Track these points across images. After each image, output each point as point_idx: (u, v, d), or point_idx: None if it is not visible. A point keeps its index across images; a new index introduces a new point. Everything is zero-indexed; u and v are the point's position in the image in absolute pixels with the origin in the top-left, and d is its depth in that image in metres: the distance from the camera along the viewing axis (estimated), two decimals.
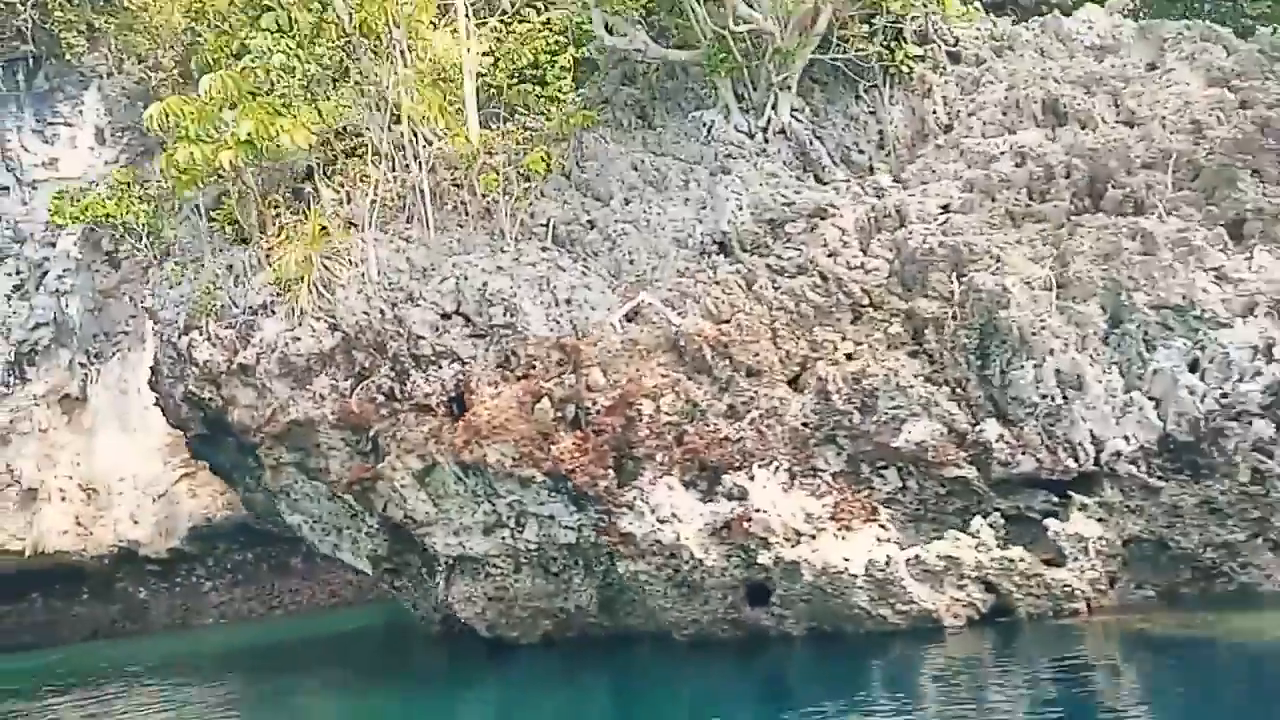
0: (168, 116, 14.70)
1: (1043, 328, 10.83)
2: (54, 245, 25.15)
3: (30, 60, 25.30)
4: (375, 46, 15.37)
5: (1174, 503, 10.42)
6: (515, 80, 15.96)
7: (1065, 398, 10.64)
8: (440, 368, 13.11)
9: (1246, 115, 11.77)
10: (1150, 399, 10.47)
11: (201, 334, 14.62)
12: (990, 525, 10.69)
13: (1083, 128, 12.76)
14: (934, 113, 13.58)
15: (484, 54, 15.26)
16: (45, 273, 25.28)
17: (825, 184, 13.63)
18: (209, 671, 16.62)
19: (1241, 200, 11.30)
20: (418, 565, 13.72)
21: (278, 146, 14.26)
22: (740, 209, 12.87)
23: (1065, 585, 10.31)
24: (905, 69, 13.87)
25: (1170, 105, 12.48)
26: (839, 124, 14.05)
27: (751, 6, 12.95)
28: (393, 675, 13.80)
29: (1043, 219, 12.16)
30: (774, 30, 13.12)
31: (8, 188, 24.64)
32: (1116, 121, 12.79)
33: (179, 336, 14.82)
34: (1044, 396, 10.71)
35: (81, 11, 24.30)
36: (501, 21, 15.90)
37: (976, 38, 14.05)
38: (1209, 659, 8.83)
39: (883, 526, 10.96)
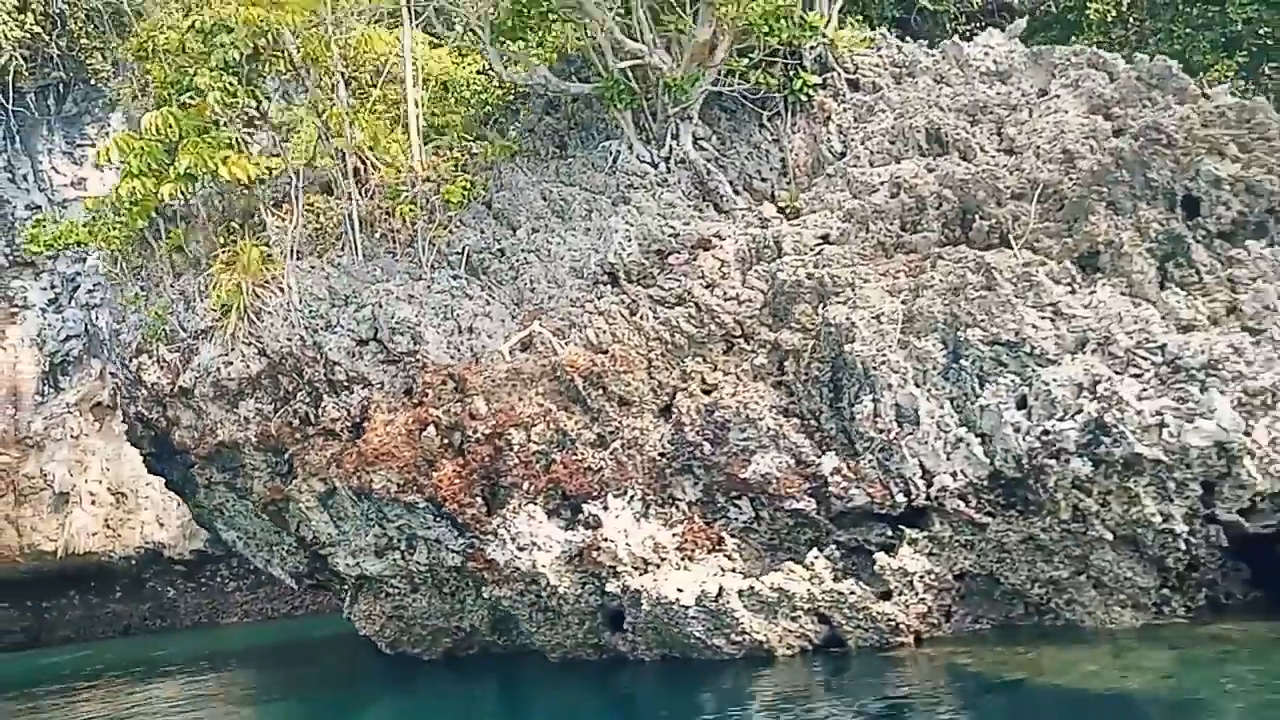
0: (119, 151, 15.68)
1: (883, 362, 11.11)
2: (84, 261, 26.82)
3: (60, 86, 26.95)
4: (320, 79, 16.15)
5: (1000, 539, 10.67)
6: (454, 110, 16.63)
7: (900, 432, 10.88)
8: (352, 393, 13.89)
9: (1113, 145, 11.80)
10: (980, 435, 10.68)
11: (151, 357, 15.65)
12: (827, 558, 11.07)
13: (962, 157, 12.91)
14: (828, 141, 13.81)
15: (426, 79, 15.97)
16: (76, 287, 27.04)
17: (725, 213, 14.00)
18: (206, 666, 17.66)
19: (1094, 233, 11.40)
20: (335, 583, 14.53)
21: (222, 179, 15.11)
22: (628, 240, 13.33)
23: (890, 619, 10.62)
24: (804, 97, 14.11)
25: (1046, 134, 12.58)
26: (743, 152, 14.42)
27: (636, 40, 13.35)
28: (312, 681, 14.65)
29: (913, 250, 12.40)
30: (662, 65, 13.50)
31: (40, 207, 26.27)
32: (997, 150, 12.93)
33: (131, 359, 15.85)
34: (881, 431, 11.02)
35: (106, 39, 25.80)
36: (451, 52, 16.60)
37: (877, 64, 14.26)
38: (1010, 699, 9.05)
39: (728, 557, 11.40)
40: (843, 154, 13.86)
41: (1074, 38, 21.13)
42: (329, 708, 13.23)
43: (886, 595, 10.77)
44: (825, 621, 10.98)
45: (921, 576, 10.74)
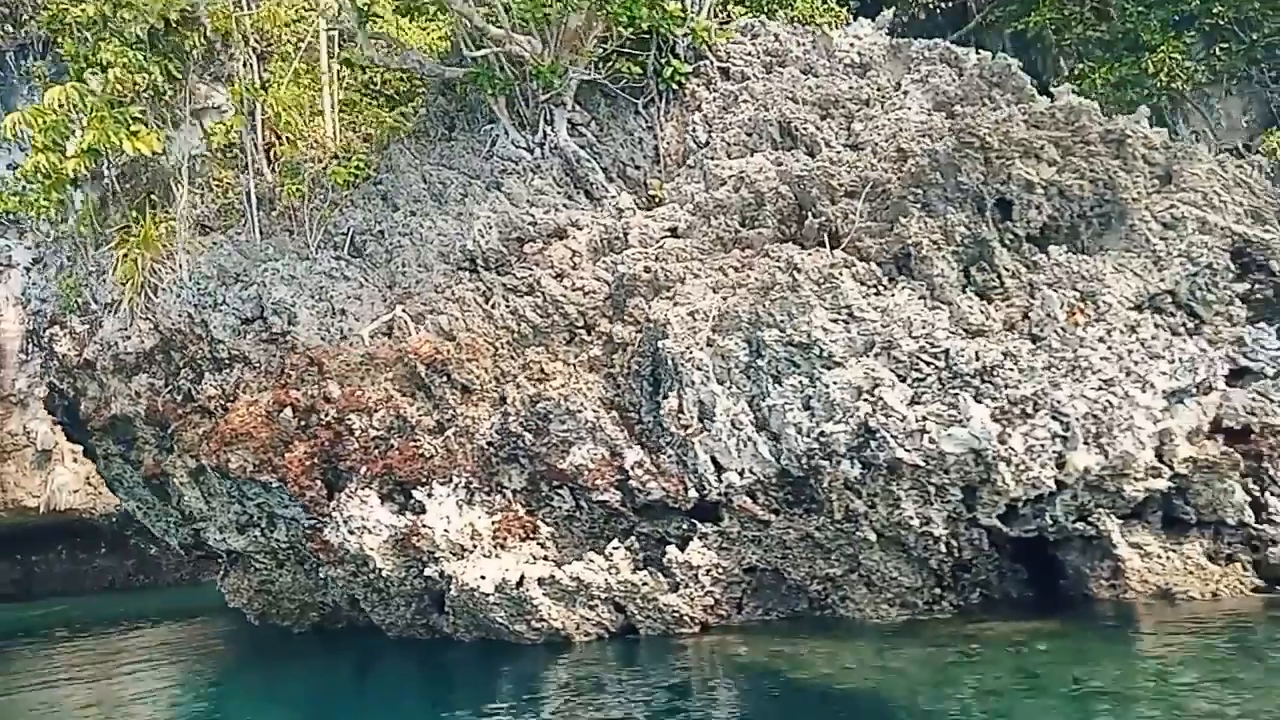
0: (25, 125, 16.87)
1: (690, 359, 11.94)
2: (66, 221, 28.29)
3: (39, 45, 28.24)
4: (234, 52, 17.19)
5: (782, 536, 11.52)
6: (362, 88, 17.59)
7: (697, 428, 11.73)
8: (232, 371, 15.03)
9: (929, 146, 12.40)
10: (770, 435, 11.50)
11: (63, 329, 16.97)
12: (627, 549, 12.00)
13: (808, 152, 13.58)
14: (694, 131, 14.53)
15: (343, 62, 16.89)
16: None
17: (597, 201, 14.81)
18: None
19: (904, 235, 12.07)
20: (217, 556, 15.81)
21: (125, 154, 16.23)
22: (489, 227, 14.23)
23: (675, 610, 11.54)
24: (676, 85, 14.83)
25: (886, 131, 13.19)
26: (618, 139, 15.21)
27: (499, 26, 14.12)
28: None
29: (749, 246, 13.14)
30: (524, 52, 14.29)
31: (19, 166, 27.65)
32: (844, 146, 13.56)
33: (45, 329, 17.16)
34: (683, 426, 11.86)
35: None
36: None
37: (750, 53, 14.89)
38: (765, 687, 9.92)
39: (541, 545, 12.39)
40: (706, 144, 14.51)
41: (1032, 13, 21.51)
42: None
43: (675, 587, 11.64)
44: (621, 610, 11.91)
45: (709, 570, 11.63)
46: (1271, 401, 11.27)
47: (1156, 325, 11.63)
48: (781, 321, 11.81)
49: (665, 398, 12.14)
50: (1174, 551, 10.91)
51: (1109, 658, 9.38)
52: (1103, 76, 20.31)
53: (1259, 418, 11.11)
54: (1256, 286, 11.98)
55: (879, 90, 14.12)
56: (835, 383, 11.24)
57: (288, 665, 14.08)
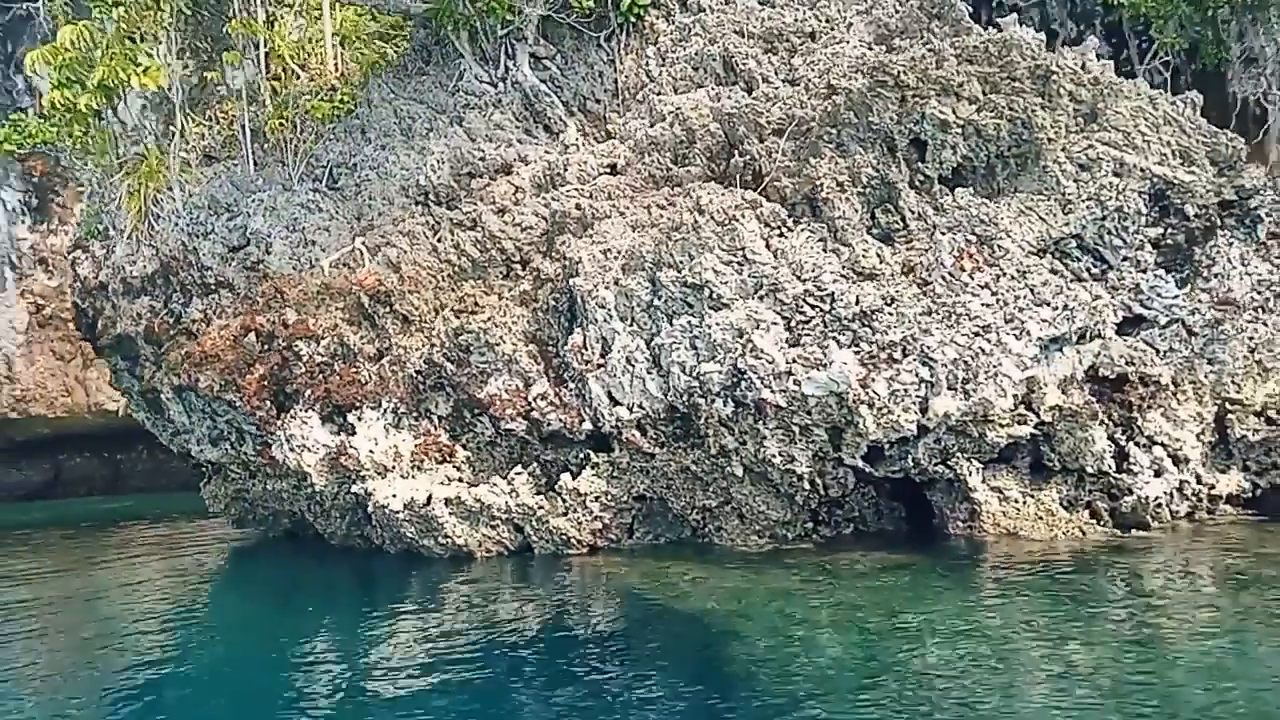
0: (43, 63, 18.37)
1: (595, 297, 12.67)
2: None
3: None
4: None
5: (664, 468, 12.21)
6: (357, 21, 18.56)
7: (596, 364, 12.49)
8: (217, 297, 16.36)
9: (844, 85, 12.71)
10: (661, 372, 12.19)
11: (85, 253, 18.58)
12: (530, 474, 12.89)
13: (747, 88, 13.99)
14: (647, 65, 15.06)
15: None
16: None
17: (556, 134, 15.52)
18: None
19: (813, 175, 12.49)
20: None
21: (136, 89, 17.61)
22: (441, 162, 15.10)
23: (564, 533, 12.43)
24: (634, 18, 15.36)
25: (821, 66, 13.52)
26: (580, 73, 15.81)
27: None
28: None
29: (678, 184, 13.72)
30: None
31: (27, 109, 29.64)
32: (783, 82, 13.92)
33: (69, 252, 18.85)
34: (585, 361, 12.64)
35: None
36: None
37: None
38: (630, 605, 10.80)
39: (457, 468, 13.36)
40: (656, 79, 15.01)
41: None
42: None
43: (566, 512, 12.50)
44: (519, 531, 12.85)
45: (598, 497, 12.45)
46: (1155, 350, 11.38)
47: (1053, 271, 11.81)
48: (680, 262, 12.38)
49: (573, 333, 12.85)
50: (1032, 497, 11.24)
51: (934, 594, 9.90)
52: None
53: (1136, 367, 11.29)
54: (1169, 231, 12.02)
55: (827, 22, 14.34)
56: (717, 324, 11.80)
57: (253, 564, 15.57)
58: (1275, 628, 8.05)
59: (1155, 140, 12.24)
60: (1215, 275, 11.99)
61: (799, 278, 11.91)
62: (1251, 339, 11.81)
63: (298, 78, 18.39)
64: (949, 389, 11.16)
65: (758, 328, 11.68)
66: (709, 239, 12.38)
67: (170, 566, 16.29)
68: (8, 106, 27.25)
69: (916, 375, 11.23)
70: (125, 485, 32.53)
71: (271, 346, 15.11)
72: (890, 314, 11.49)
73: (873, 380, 11.21)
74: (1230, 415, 11.69)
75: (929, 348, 11.24)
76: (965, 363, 11.20)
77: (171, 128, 18.91)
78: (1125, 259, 11.98)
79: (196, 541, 18.29)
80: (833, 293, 11.72)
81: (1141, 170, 12.07)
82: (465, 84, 16.09)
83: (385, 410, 13.86)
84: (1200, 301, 11.73)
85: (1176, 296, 11.65)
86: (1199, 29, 20.05)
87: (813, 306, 11.78)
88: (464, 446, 13.51)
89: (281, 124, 17.17)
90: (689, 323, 12.12)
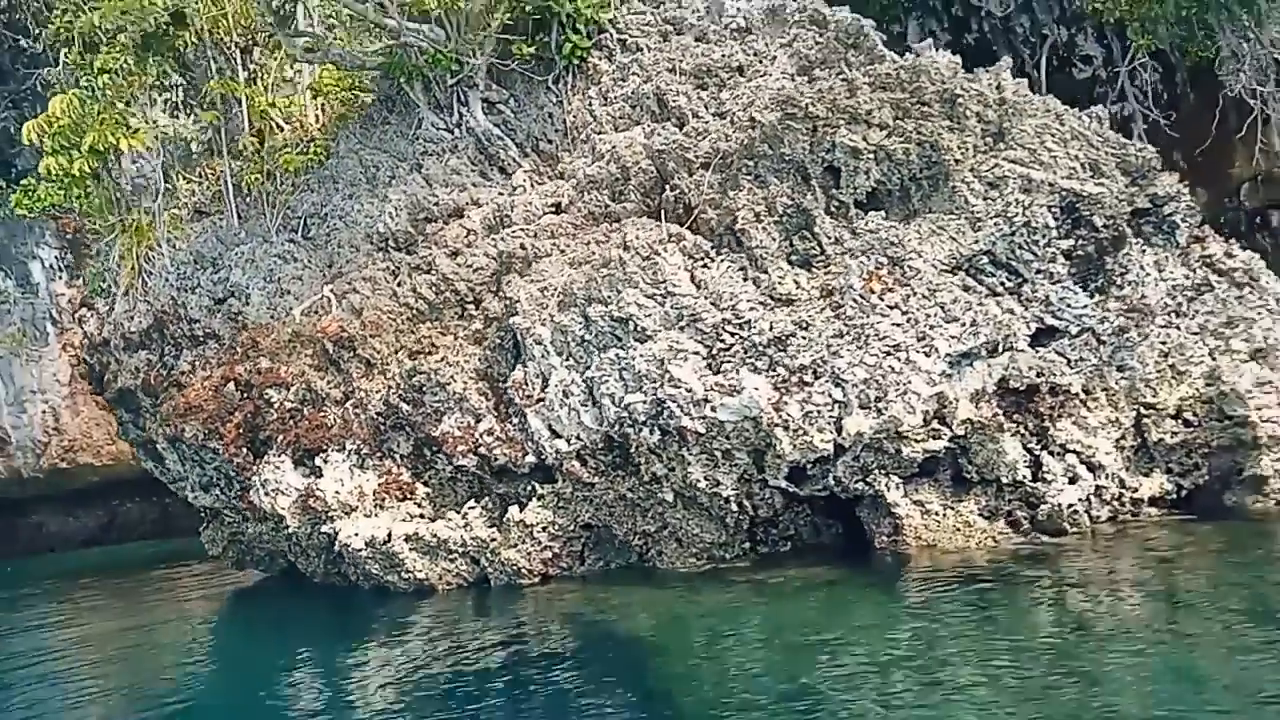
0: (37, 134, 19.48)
1: (532, 333, 13.37)
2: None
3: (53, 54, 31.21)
4: (222, 51, 19.39)
5: (604, 497, 12.85)
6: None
7: (535, 398, 13.18)
8: (204, 349, 17.30)
9: (759, 117, 13.30)
10: (594, 404, 12.85)
11: (91, 310, 19.65)
12: (484, 508, 13.61)
13: (679, 123, 14.63)
14: (590, 105, 15.75)
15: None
16: None
17: (509, 176, 16.27)
18: None
19: (733, 207, 13.10)
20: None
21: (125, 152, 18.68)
22: (399, 209, 15.91)
23: (515, 564, 13.12)
24: (577, 60, 16.07)
25: (745, 99, 14.12)
26: (532, 115, 16.55)
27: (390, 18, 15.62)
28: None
29: (616, 219, 14.39)
30: (423, 42, 15.78)
31: None
32: (712, 116, 14.53)
33: (76, 310, 19.92)
34: (527, 397, 13.33)
35: None
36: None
37: (648, 24, 15.93)
38: (579, 630, 11.46)
39: (417, 505, 14.10)
40: (596, 118, 15.68)
41: None
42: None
43: (515, 544, 13.19)
44: (476, 563, 13.54)
45: (545, 527, 13.12)
46: (1066, 360, 11.82)
47: (965, 288, 12.29)
48: (608, 297, 13.03)
49: (513, 370, 13.54)
50: (952, 509, 11.72)
51: (854, 609, 10.55)
52: None
53: (1046, 378, 11.74)
54: (1080, 242, 12.44)
55: (755, 56, 14.92)
56: (641, 355, 12.43)
57: (250, 603, 16.50)
58: (1180, 629, 8.46)
59: (1063, 155, 12.68)
60: (1129, 283, 12.39)
61: (718, 307, 12.50)
62: (1165, 344, 12.17)
63: (278, 132, 19.30)
64: (861, 408, 11.68)
65: (676, 357, 12.27)
66: (634, 274, 13.02)
67: (178, 610, 17.25)
68: (27, 170, 28.48)
69: (829, 396, 11.77)
70: (174, 528, 33.46)
71: (248, 395, 15.94)
72: (802, 338, 12.05)
73: (786, 403, 11.76)
74: (1146, 420, 12.05)
75: (839, 369, 11.78)
76: (875, 382, 11.71)
77: (167, 185, 19.94)
78: (1039, 272, 12.42)
79: (206, 584, 19.21)
80: (749, 320, 12.29)
81: (1050, 185, 12.52)
82: (423, 132, 16.87)
83: (350, 452, 14.63)
84: (1110, 310, 12.11)
85: (1086, 306, 12.08)
86: (1179, 28, 20.39)
87: (732, 334, 12.37)
88: (425, 484, 14.24)
89: (257, 178, 18.05)
90: (617, 355, 12.75)
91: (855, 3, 20.79)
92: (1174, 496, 12.18)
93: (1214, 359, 12.12)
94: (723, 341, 12.42)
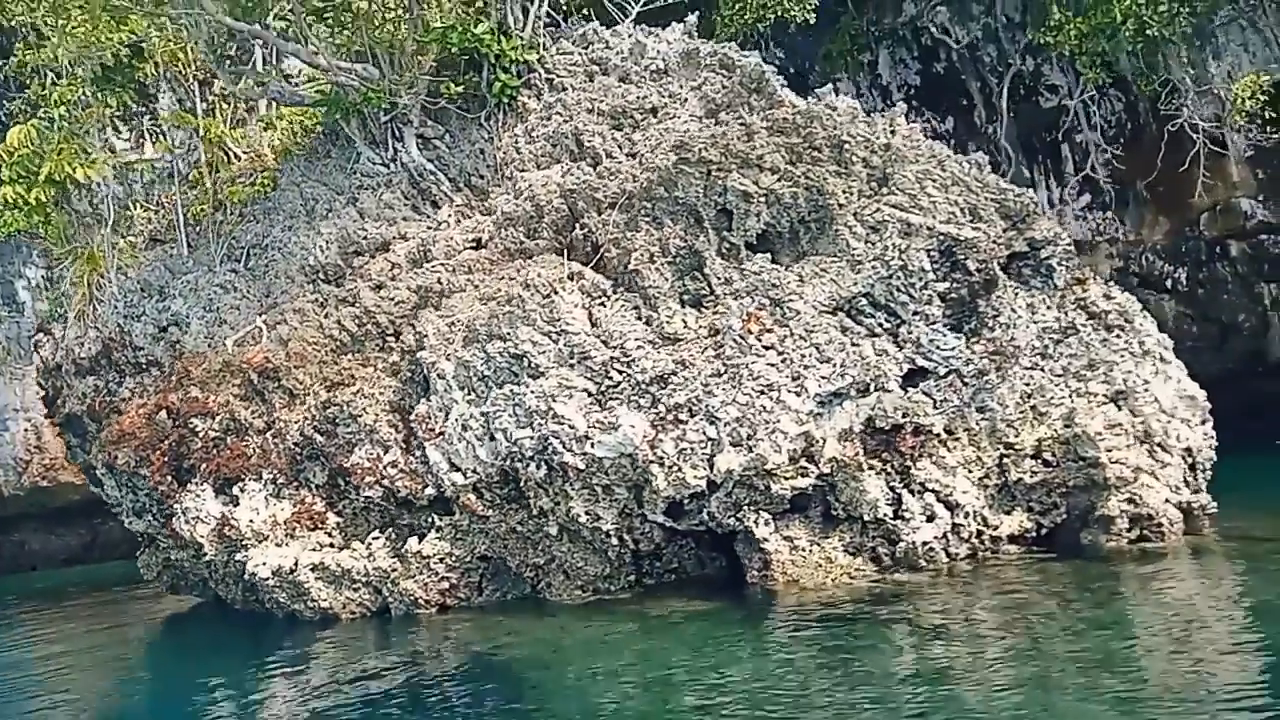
0: None
1: (436, 368, 13.97)
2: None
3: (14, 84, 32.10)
4: (180, 83, 20.20)
5: (497, 529, 13.42)
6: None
7: (436, 432, 13.77)
8: (145, 376, 18.00)
9: (656, 160, 13.87)
10: (490, 439, 13.42)
11: (46, 335, 20.41)
12: (387, 539, 14.18)
13: (593, 163, 15.23)
14: (516, 143, 16.37)
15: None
16: None
17: (439, 208, 16.89)
18: None
19: (631, 247, 13.67)
20: None
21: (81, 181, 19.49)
22: (330, 242, 16.56)
23: (412, 594, 13.69)
24: (507, 99, 16.71)
25: (654, 141, 14.70)
26: (465, 151, 17.19)
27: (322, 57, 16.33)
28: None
29: (530, 256, 14.98)
30: (355, 82, 16.47)
31: None
32: (625, 156, 15.11)
33: (31, 336, 20.69)
34: (429, 430, 13.92)
35: None
36: None
37: (575, 63, 16.54)
38: (466, 659, 12.08)
39: (328, 534, 14.69)
40: (519, 156, 16.29)
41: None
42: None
43: (413, 574, 13.76)
44: (378, 592, 14.11)
45: (442, 559, 13.69)
46: (932, 400, 12.30)
47: (843, 329, 12.81)
48: (506, 334, 13.61)
49: (418, 404, 14.14)
50: (818, 545, 12.21)
51: (718, 641, 11.07)
52: (1076, 26, 20.37)
53: (910, 418, 12.20)
54: (955, 285, 12.93)
55: (671, 98, 15.50)
56: (531, 392, 13.00)
57: (168, 627, 17.12)
58: (1002, 671, 8.91)
59: (943, 200, 13.18)
60: (1000, 325, 12.86)
61: (608, 345, 13.06)
62: (1027, 385, 12.62)
63: (236, 161, 20.05)
64: (732, 445, 12.21)
65: (563, 395, 12.83)
66: (532, 311, 13.60)
67: (114, 635, 17.93)
68: None
69: (703, 434, 12.30)
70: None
71: (176, 423, 16.60)
72: (682, 377, 12.59)
73: (661, 440, 12.29)
74: (1007, 459, 12.50)
75: (714, 407, 12.31)
76: (747, 420, 12.23)
77: (125, 213, 20.71)
78: (915, 314, 12.92)
79: (149, 608, 19.88)
80: (635, 358, 12.83)
81: (928, 229, 13.02)
82: (360, 166, 17.54)
83: (266, 481, 15.25)
84: (976, 351, 12.59)
85: (954, 348, 12.55)
86: (1134, 60, 20.81)
87: (619, 372, 12.93)
88: (338, 514, 14.84)
89: (204, 209, 18.78)
90: (511, 391, 13.33)
91: (825, 32, 21.60)
92: (1034, 534, 12.60)
93: (1073, 401, 12.54)
94: (610, 379, 12.97)
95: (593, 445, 12.47)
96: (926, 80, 22.95)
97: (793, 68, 22.92)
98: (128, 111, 21.11)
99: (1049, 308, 13.16)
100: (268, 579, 14.47)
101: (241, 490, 15.33)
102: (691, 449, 12.31)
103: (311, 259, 16.87)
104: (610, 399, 12.86)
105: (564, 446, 12.58)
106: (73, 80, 20.43)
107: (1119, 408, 12.53)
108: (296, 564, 14.38)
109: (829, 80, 22.38)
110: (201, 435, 16.03)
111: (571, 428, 12.60)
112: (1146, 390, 12.64)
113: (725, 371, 12.59)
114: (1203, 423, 13.29)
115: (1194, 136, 20.08)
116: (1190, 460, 12.87)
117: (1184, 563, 11.78)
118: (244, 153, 20.46)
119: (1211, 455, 13.04)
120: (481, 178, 17.08)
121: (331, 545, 14.85)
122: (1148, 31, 19.91)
